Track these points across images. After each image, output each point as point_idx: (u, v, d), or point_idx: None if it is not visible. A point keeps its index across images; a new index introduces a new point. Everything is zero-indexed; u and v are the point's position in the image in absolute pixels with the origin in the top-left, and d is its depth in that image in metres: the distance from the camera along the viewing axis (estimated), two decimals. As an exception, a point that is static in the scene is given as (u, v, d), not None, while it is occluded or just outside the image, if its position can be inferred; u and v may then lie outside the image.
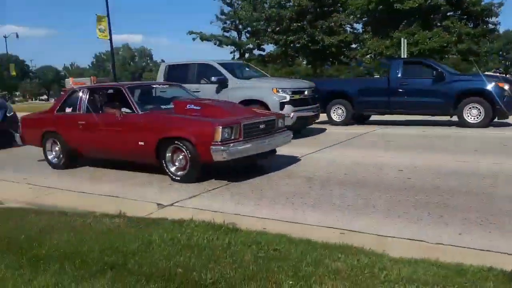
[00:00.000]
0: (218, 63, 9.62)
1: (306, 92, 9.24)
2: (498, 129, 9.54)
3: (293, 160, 6.54)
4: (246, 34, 34.73)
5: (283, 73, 30.19)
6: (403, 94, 10.49)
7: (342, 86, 12.09)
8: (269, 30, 30.29)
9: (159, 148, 5.56)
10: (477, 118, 9.67)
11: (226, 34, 34.64)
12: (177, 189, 5.24)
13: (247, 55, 35.44)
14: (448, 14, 27.27)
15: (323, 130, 10.44)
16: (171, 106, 6.19)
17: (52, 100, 62.22)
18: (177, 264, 2.78)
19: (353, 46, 31.17)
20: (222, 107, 6.09)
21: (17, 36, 47.63)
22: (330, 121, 11.50)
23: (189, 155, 5.33)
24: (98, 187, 5.53)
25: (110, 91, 6.96)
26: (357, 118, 11.65)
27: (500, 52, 64.54)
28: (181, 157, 5.47)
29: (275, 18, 28.68)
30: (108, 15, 21.92)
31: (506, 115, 9.77)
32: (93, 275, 2.67)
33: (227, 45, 34.19)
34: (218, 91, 9.13)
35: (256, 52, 34.79)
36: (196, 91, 8.72)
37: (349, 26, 30.41)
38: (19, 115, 9.30)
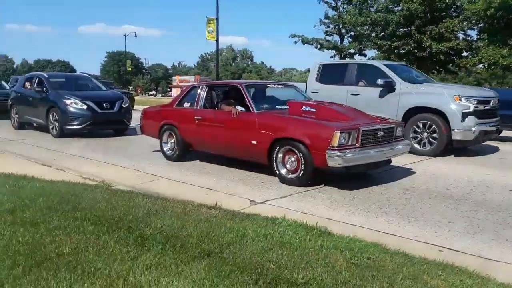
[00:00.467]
0: (383, 64, 8.74)
1: (491, 103, 7.96)
2: None
3: (390, 168, 6.28)
4: (349, 38, 34.13)
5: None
6: None
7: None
8: (373, 35, 29.41)
9: (271, 148, 5.54)
10: None
11: (328, 38, 34.39)
12: (269, 187, 5.34)
13: (347, 59, 34.90)
14: None
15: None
16: (286, 106, 6.11)
17: (159, 96, 67.07)
18: (269, 259, 2.84)
19: (464, 54, 28.97)
20: (339, 110, 5.85)
21: (136, 35, 51.51)
22: None
23: (302, 158, 5.20)
24: (196, 179, 5.83)
25: (227, 88, 7.08)
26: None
27: None
28: (293, 159, 5.38)
29: (381, 22, 27.73)
30: (217, 18, 23.02)
31: None
32: (192, 260, 2.84)
33: (328, 49, 33.87)
34: (382, 95, 8.24)
35: (357, 57, 34.05)
36: (354, 94, 8.48)
37: (461, 32, 28.34)
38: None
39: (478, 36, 27.71)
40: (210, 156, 7.04)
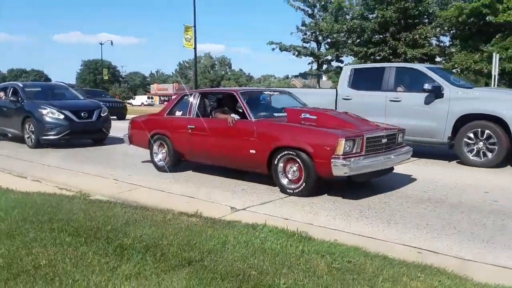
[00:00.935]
0: (426, 67, 8.08)
1: None
2: None
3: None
4: (326, 45, 34.59)
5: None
6: None
7: None
8: (349, 41, 29.89)
9: (271, 157, 5.35)
10: None
11: (305, 45, 34.77)
12: (250, 194, 5.34)
13: (325, 66, 35.30)
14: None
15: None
16: (284, 114, 5.90)
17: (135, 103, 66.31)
18: (250, 266, 2.84)
19: (438, 59, 29.71)
20: (339, 117, 5.66)
21: (112, 43, 50.94)
22: None
23: (304, 167, 5.03)
24: (176, 187, 5.79)
25: (221, 96, 6.90)
26: None
27: None
28: (294, 168, 5.20)
29: (357, 29, 28.23)
30: (194, 25, 23.05)
31: None
32: (172, 269, 2.81)
33: (305, 56, 34.28)
34: (428, 101, 7.51)
35: (334, 63, 34.54)
36: (395, 100, 7.86)
37: (435, 38, 29.08)
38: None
39: (451, 42, 28.50)
40: (190, 164, 6.98)
